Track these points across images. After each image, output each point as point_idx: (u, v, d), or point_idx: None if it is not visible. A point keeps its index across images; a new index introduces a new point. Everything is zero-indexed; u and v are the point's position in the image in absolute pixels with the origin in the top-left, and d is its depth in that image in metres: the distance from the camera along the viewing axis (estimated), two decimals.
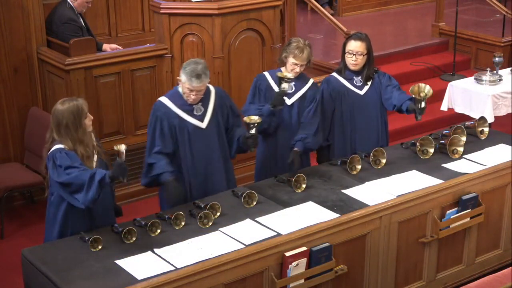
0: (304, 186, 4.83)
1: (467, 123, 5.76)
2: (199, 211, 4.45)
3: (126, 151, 4.13)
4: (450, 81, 7.57)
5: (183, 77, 4.62)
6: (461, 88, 7.14)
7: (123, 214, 4.68)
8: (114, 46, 6.67)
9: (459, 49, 8.95)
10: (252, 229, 4.35)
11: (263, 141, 5.25)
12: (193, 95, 4.65)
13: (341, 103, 5.35)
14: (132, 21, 7.77)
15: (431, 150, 5.27)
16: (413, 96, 5.09)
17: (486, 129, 5.65)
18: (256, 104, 5.18)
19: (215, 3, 6.14)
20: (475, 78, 7.20)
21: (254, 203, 4.64)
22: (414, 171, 5.08)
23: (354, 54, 5.26)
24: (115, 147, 4.14)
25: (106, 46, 6.62)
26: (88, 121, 4.31)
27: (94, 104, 5.98)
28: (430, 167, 5.12)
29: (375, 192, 4.78)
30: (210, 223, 4.39)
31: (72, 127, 4.23)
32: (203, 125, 4.78)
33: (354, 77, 5.35)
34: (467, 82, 7.27)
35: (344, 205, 4.64)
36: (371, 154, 5.16)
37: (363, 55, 5.27)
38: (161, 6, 6.16)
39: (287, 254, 4.18)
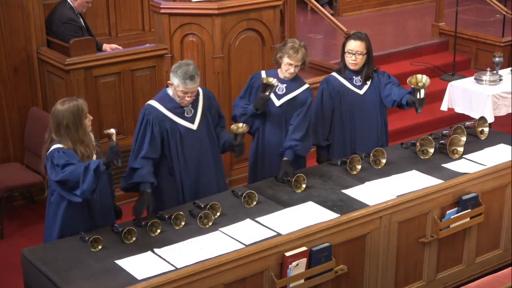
0: (304, 186, 4.83)
1: (467, 123, 5.76)
2: (199, 211, 4.45)
3: (117, 133, 4.18)
4: (450, 81, 7.56)
5: (175, 81, 4.59)
6: (461, 88, 7.14)
7: (122, 216, 4.67)
8: (114, 46, 6.67)
9: (459, 49, 8.95)
10: (252, 229, 4.35)
11: (253, 141, 5.28)
12: (188, 97, 4.64)
13: (341, 103, 5.35)
14: (132, 21, 7.77)
15: (431, 150, 5.27)
16: (412, 86, 5.09)
17: (486, 129, 5.65)
18: (245, 100, 5.22)
19: (215, 3, 6.14)
20: (475, 78, 7.20)
21: (254, 203, 4.64)
22: (414, 171, 5.08)
23: (353, 54, 5.26)
24: (105, 131, 4.17)
25: (106, 46, 6.62)
26: (88, 121, 4.32)
27: (94, 104, 5.98)
28: (430, 167, 5.12)
29: (375, 192, 4.78)
30: (210, 223, 4.39)
31: (72, 127, 4.23)
32: (194, 126, 4.77)
33: (354, 77, 5.36)
34: (467, 82, 7.27)
35: (344, 205, 4.64)
36: (371, 154, 5.16)
37: (363, 55, 5.27)
38: (161, 6, 6.16)
39: (287, 254, 4.18)
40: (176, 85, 4.60)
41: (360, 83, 5.36)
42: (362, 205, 4.61)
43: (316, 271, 4.31)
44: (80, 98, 4.38)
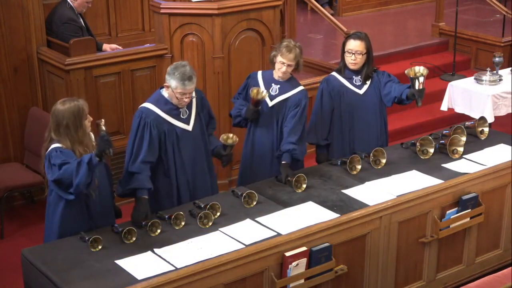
0: (304, 186, 4.83)
1: (467, 123, 5.76)
2: (199, 211, 4.45)
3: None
4: (450, 81, 7.56)
5: (173, 83, 4.57)
6: (461, 88, 7.14)
7: (122, 216, 4.66)
8: (114, 46, 6.67)
9: (459, 49, 8.95)
10: (252, 229, 4.35)
11: (245, 141, 5.30)
12: (186, 98, 4.63)
13: (340, 102, 5.35)
14: (132, 21, 7.77)
15: (431, 150, 5.27)
16: (410, 76, 5.08)
17: (486, 129, 5.66)
18: (241, 99, 5.26)
19: (215, 3, 6.14)
20: (475, 78, 7.20)
21: (254, 203, 4.64)
22: (414, 171, 5.08)
23: (353, 53, 5.26)
24: (95, 122, 4.18)
25: (106, 46, 6.62)
26: (88, 122, 4.31)
27: (94, 104, 5.98)
28: (430, 167, 5.13)
29: (375, 192, 4.78)
30: (210, 223, 4.39)
31: (72, 127, 4.23)
32: (190, 127, 4.76)
33: (354, 77, 5.36)
34: (467, 82, 7.27)
35: (344, 205, 4.64)
36: (371, 154, 5.16)
37: (362, 54, 5.27)
38: (161, 6, 6.16)
39: (287, 254, 4.18)
40: (174, 87, 4.58)
41: (360, 83, 5.36)
42: (362, 205, 4.61)
43: (316, 271, 4.31)
44: (81, 99, 4.38)
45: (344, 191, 4.82)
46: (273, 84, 5.17)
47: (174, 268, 3.95)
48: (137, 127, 4.62)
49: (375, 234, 4.58)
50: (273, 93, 5.17)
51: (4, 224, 5.90)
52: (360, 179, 4.97)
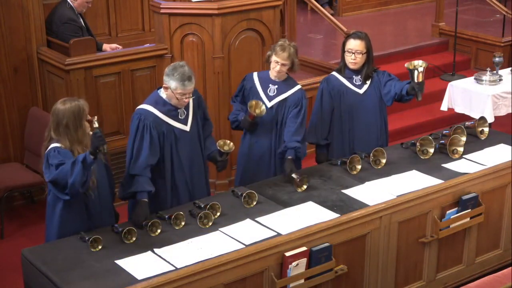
0: (305, 186, 4.83)
1: (467, 123, 5.76)
2: (199, 211, 4.45)
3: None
4: (450, 81, 7.56)
5: (172, 84, 4.55)
6: (461, 88, 7.14)
7: (119, 220, 4.64)
8: (114, 46, 6.67)
9: (459, 49, 8.95)
10: (252, 229, 4.35)
11: (243, 141, 5.30)
12: (186, 98, 4.62)
13: (340, 102, 5.35)
14: (132, 21, 7.77)
15: (431, 150, 5.27)
16: (409, 68, 5.07)
17: (486, 129, 5.66)
18: (238, 103, 5.27)
19: (215, 3, 6.14)
20: (475, 78, 7.20)
21: (254, 203, 4.64)
22: (414, 171, 5.08)
23: (353, 53, 5.26)
24: (88, 117, 4.18)
25: (106, 46, 6.62)
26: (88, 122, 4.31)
27: (94, 104, 5.98)
28: (430, 167, 5.13)
29: (375, 192, 4.78)
30: (210, 223, 4.39)
31: (72, 127, 4.23)
32: (187, 128, 4.75)
33: (354, 76, 5.36)
34: (467, 82, 7.27)
35: (344, 205, 4.64)
36: (371, 154, 5.16)
37: (362, 54, 5.27)
38: (161, 6, 6.16)
39: (287, 254, 4.18)
40: (173, 88, 4.57)
41: (360, 83, 5.36)
42: (362, 205, 4.61)
43: (316, 271, 4.31)
44: (81, 99, 4.37)
45: (344, 191, 4.82)
46: (270, 85, 5.17)
47: (174, 268, 3.95)
48: (136, 129, 4.61)
49: (375, 234, 4.58)
50: (271, 94, 5.17)
51: (4, 224, 5.90)
52: (360, 179, 4.97)
